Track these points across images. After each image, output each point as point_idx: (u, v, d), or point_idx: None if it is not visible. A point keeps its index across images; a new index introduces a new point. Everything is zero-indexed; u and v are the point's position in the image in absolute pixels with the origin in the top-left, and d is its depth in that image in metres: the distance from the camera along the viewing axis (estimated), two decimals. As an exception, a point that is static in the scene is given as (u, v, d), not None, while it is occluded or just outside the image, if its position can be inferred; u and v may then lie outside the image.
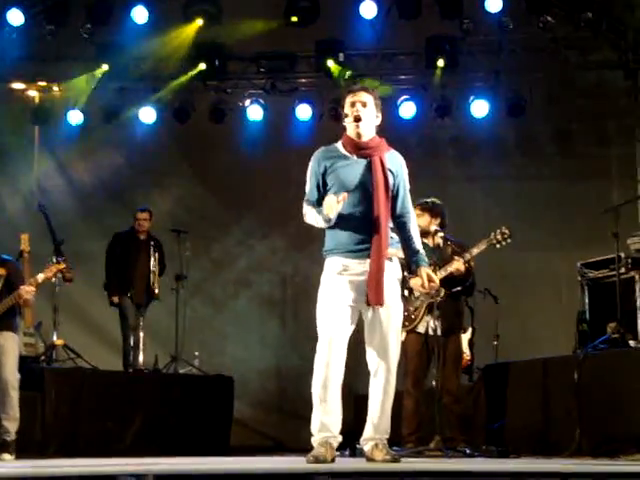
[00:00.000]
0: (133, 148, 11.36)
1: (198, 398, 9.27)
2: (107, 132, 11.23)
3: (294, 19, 10.02)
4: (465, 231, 8.66)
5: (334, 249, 5.22)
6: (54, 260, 7.33)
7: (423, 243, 7.15)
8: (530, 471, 3.67)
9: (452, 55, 10.22)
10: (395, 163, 5.32)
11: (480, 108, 10.61)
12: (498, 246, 7.02)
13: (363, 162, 5.22)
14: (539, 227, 10.43)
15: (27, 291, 7.14)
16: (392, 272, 5.22)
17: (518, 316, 10.18)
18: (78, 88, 10.83)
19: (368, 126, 5.26)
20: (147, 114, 10.95)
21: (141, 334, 9.58)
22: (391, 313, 5.19)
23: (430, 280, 5.28)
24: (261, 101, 10.94)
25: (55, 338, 9.11)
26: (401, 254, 5.32)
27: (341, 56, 10.44)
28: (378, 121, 5.33)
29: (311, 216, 5.26)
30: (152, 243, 9.84)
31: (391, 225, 5.28)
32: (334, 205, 5.05)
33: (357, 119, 5.23)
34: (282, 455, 7.75)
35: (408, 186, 5.38)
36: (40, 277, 7.26)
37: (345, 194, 5.07)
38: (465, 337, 8.79)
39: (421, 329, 7.11)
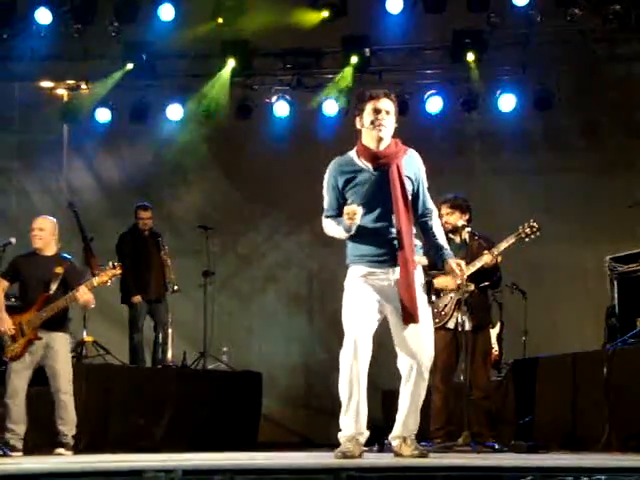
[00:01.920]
0: (160, 145, 11.42)
1: (226, 394, 9.32)
2: (135, 130, 11.30)
3: (324, 15, 9.99)
4: (492, 225, 8.63)
5: (356, 260, 5.20)
6: (110, 265, 7.27)
7: (450, 239, 7.20)
8: (559, 466, 3.65)
9: (479, 49, 10.17)
10: (412, 166, 5.24)
11: (507, 102, 10.57)
12: (527, 240, 6.99)
13: (380, 173, 5.15)
14: (567, 221, 10.37)
15: (83, 293, 7.11)
16: (417, 280, 5.19)
17: (547, 311, 10.13)
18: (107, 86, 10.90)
19: (389, 133, 5.19)
20: (174, 111, 11.00)
21: (170, 330, 9.62)
22: (422, 323, 5.15)
23: (460, 268, 5.24)
24: (287, 97, 10.95)
25: (85, 335, 9.18)
26: (424, 261, 5.30)
27: (367, 51, 10.42)
28: (394, 128, 5.26)
29: (332, 228, 5.23)
30: (158, 238, 9.86)
31: (413, 231, 5.24)
32: (354, 213, 5.02)
33: (379, 127, 5.14)
34: (310, 451, 7.75)
35: (426, 184, 5.31)
36: (95, 281, 7.22)
37: (362, 208, 5.04)
38: (494, 332, 8.77)
39: (450, 325, 7.10)
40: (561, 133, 10.97)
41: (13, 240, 7.32)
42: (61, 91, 11.30)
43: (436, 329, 7.08)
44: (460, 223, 7.11)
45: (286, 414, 10.97)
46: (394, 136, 5.25)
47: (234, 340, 10.80)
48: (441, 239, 5.32)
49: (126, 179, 11.57)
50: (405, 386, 5.24)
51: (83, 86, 11.21)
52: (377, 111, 5.15)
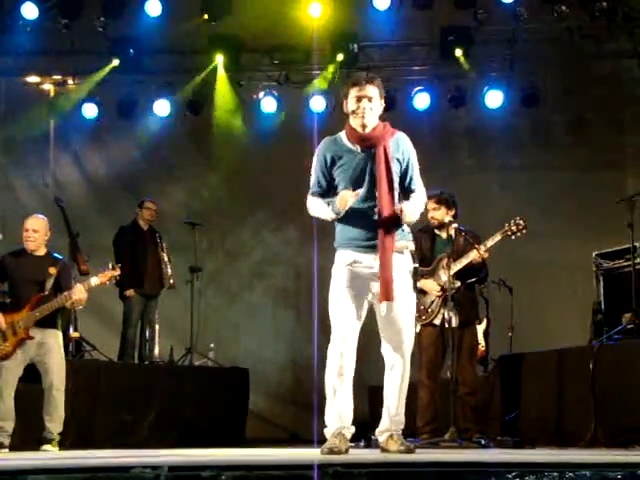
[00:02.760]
0: (147, 141, 11.40)
1: (213, 390, 9.31)
2: (122, 125, 11.28)
3: (311, 11, 9.98)
4: (479, 221, 8.66)
5: (344, 244, 5.21)
6: (110, 266, 7.24)
7: (436, 235, 7.22)
8: (545, 462, 3.67)
9: (466, 45, 10.18)
10: (401, 148, 5.23)
11: (494, 98, 10.59)
12: (513, 237, 7.01)
13: (367, 155, 5.16)
14: (554, 217, 10.40)
15: (79, 292, 7.06)
16: (403, 265, 5.18)
17: (533, 307, 10.16)
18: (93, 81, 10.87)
19: (373, 117, 5.19)
20: (161, 107, 10.98)
21: (156, 326, 9.60)
22: (404, 307, 5.16)
23: (402, 211, 5.08)
24: (275, 93, 10.94)
25: (71, 331, 9.15)
26: (412, 246, 5.28)
27: (355, 47, 10.42)
28: (381, 109, 5.24)
29: (317, 208, 5.25)
30: (157, 234, 9.86)
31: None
32: (349, 200, 5.04)
33: (361, 115, 5.15)
34: (297, 447, 7.76)
35: (417, 166, 5.31)
36: (93, 281, 7.19)
37: (359, 191, 5.06)
38: (480, 328, 8.80)
39: (437, 321, 7.12)
40: (548, 129, 11.01)
41: (0, 236, 7.29)
42: (48, 86, 11.27)
43: (423, 326, 7.15)
44: (447, 219, 7.13)
45: (273, 410, 10.97)
46: (383, 119, 5.25)
47: (221, 336, 10.80)
48: (414, 202, 5.24)
49: (113, 175, 11.54)
50: (389, 375, 5.25)
51: (70, 81, 11.19)
52: (359, 99, 5.16)
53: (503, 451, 6.33)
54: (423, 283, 7.07)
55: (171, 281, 9.77)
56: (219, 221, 11.40)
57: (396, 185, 5.16)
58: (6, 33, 10.65)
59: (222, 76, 10.88)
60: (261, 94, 10.96)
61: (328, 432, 5.15)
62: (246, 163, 11.20)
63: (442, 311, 7.05)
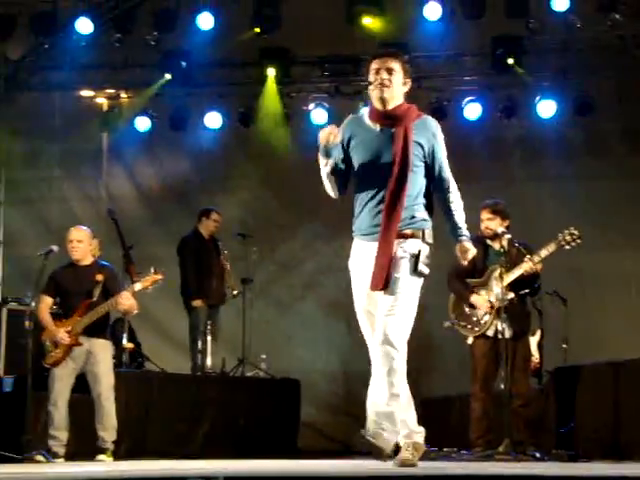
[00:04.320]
0: (199, 153, 11.48)
1: (265, 400, 9.33)
2: (174, 138, 11.37)
3: (363, 22, 9.97)
4: (532, 232, 8.56)
5: (356, 230, 4.98)
6: (152, 270, 7.32)
7: (488, 246, 7.16)
8: (602, 475, 3.61)
9: (518, 55, 10.11)
10: (426, 132, 4.86)
11: (547, 108, 10.49)
12: (567, 247, 6.92)
13: (386, 135, 4.84)
14: (608, 228, 10.26)
15: (125, 298, 7.15)
16: (405, 249, 4.80)
17: (588, 318, 10.02)
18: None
19: (394, 93, 4.84)
20: (213, 119, 11.06)
21: (209, 337, 9.65)
22: (398, 295, 4.75)
23: (464, 251, 4.93)
24: (325, 104, 10.96)
25: (125, 342, 9.22)
26: (428, 238, 4.89)
27: (405, 58, 10.38)
28: (406, 88, 4.91)
29: (322, 174, 5.03)
30: (218, 242, 9.94)
31: (422, 202, 4.89)
32: (328, 132, 4.82)
33: (380, 86, 4.82)
34: (350, 458, 7.74)
35: (444, 154, 4.94)
36: (137, 286, 7.27)
37: (337, 129, 4.83)
38: (534, 340, 8.70)
39: (490, 333, 7.05)
40: (602, 139, 10.86)
41: (55, 248, 7.38)
42: (101, 100, 11.42)
43: (475, 337, 7.10)
44: (500, 230, 7.07)
45: (325, 421, 10.95)
46: (410, 102, 4.96)
47: (273, 347, 10.80)
48: (459, 216, 4.99)
49: (165, 187, 11.64)
50: (374, 372, 4.81)
51: (123, 95, 11.32)
52: (377, 71, 4.87)
53: (558, 464, 6.25)
54: (474, 299, 7.03)
55: (234, 292, 9.83)
56: (270, 233, 11.42)
57: (416, 169, 4.81)
58: (61, 48, 10.84)
59: (273, 88, 10.93)
60: (311, 106, 10.98)
61: (422, 436, 4.85)
62: (296, 174, 11.22)
63: (495, 322, 6.99)
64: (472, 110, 10.68)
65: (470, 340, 7.16)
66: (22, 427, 6.96)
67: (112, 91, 11.30)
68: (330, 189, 5.04)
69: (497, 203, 7.15)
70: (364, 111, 5.01)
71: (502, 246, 7.08)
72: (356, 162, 4.91)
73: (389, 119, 4.84)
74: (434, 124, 4.93)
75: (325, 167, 4.98)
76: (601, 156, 10.82)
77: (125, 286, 7.69)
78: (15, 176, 11.62)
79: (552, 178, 10.98)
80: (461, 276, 7.22)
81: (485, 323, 7.06)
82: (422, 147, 4.83)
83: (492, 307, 6.94)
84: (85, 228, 7.56)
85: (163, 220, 11.36)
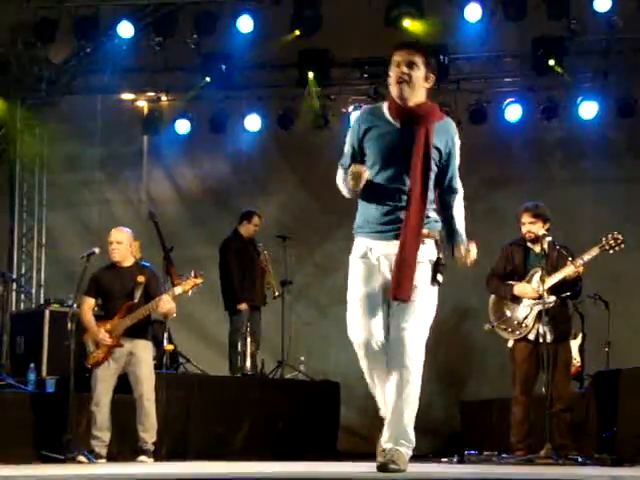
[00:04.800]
0: (238, 155, 11.53)
1: (304, 403, 9.33)
2: (213, 140, 11.43)
3: (403, 24, 9.94)
4: (573, 235, 8.51)
5: (362, 227, 4.66)
6: (192, 274, 7.35)
7: (529, 249, 7.10)
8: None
9: (559, 56, 10.04)
10: (445, 135, 4.61)
11: (588, 109, 10.40)
12: (611, 252, 6.85)
13: (407, 132, 4.54)
14: (650, 230, 10.15)
15: (166, 302, 7.21)
16: (423, 255, 4.53)
17: (630, 321, 9.92)
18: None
19: (415, 89, 4.54)
20: (252, 122, 11.10)
21: (248, 339, 9.68)
22: (417, 304, 4.50)
23: (468, 252, 4.63)
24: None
25: (165, 343, 9.28)
26: (438, 236, 4.65)
27: (445, 59, 10.36)
28: (429, 84, 4.61)
29: (341, 180, 4.75)
30: (259, 244, 9.97)
31: (433, 205, 4.64)
32: (362, 174, 4.49)
33: (400, 81, 4.52)
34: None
35: (458, 161, 4.68)
36: (177, 290, 7.32)
37: (368, 171, 4.51)
38: (575, 343, 8.63)
39: (531, 337, 7.00)
40: (644, 140, 10.75)
41: (97, 250, 7.44)
42: (141, 103, 11.51)
43: (517, 341, 7.06)
44: (541, 232, 7.02)
45: (364, 424, 10.91)
46: (431, 100, 4.71)
47: (312, 349, 10.80)
48: (459, 224, 4.70)
49: (205, 189, 11.70)
50: (389, 382, 4.57)
51: (163, 98, 11.40)
52: (398, 64, 4.55)
53: (601, 469, 6.18)
54: (518, 288, 6.96)
55: (276, 293, 9.87)
56: (309, 235, 11.43)
57: (431, 173, 4.55)
58: (102, 51, 10.95)
59: (312, 90, 10.94)
60: (350, 108, 10.97)
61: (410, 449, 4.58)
62: (335, 177, 11.19)
63: (536, 326, 6.93)
64: (513, 112, 10.62)
65: (511, 343, 7.12)
66: (64, 428, 7.03)
67: (153, 94, 11.39)
68: (343, 191, 4.83)
69: (538, 206, 7.10)
70: (383, 103, 4.68)
71: (543, 249, 7.02)
72: (371, 155, 4.59)
73: (410, 117, 4.56)
74: (454, 129, 4.69)
75: (346, 195, 4.79)
76: (643, 158, 10.71)
77: (165, 288, 7.75)
78: (57, 179, 11.75)
79: (593, 180, 10.88)
80: (500, 278, 7.18)
81: (526, 326, 7.01)
82: (439, 151, 4.60)
83: (540, 295, 6.83)
84: (126, 229, 7.61)
85: (203, 222, 11.41)
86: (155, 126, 11.38)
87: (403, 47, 4.59)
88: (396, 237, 4.51)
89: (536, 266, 7.06)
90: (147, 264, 7.64)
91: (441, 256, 4.59)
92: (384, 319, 4.57)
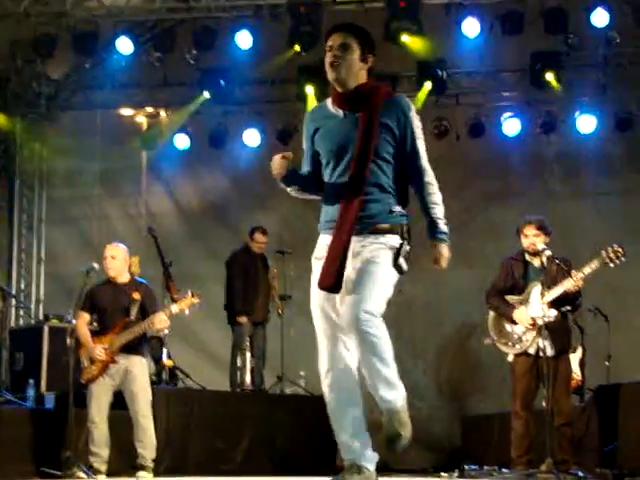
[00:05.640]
0: (238, 171, 11.54)
1: (304, 418, 9.29)
2: (212, 155, 11.45)
3: (401, 40, 9.95)
4: (572, 248, 8.51)
5: (321, 224, 4.42)
6: (189, 293, 7.34)
7: (528, 262, 7.09)
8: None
9: (557, 70, 10.07)
10: (395, 112, 4.26)
11: (587, 123, 10.44)
12: (612, 265, 6.83)
13: (352, 118, 4.26)
14: (650, 244, 10.15)
15: (161, 321, 7.19)
16: (380, 245, 4.21)
17: (630, 335, 9.91)
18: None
19: (351, 72, 4.26)
20: (251, 137, 11.11)
21: (248, 354, 9.66)
22: (369, 279, 4.15)
23: (440, 257, 4.28)
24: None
25: (164, 358, 9.26)
26: (407, 234, 4.27)
27: (443, 74, 10.40)
28: (368, 64, 4.34)
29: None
30: (267, 260, 9.98)
31: (396, 194, 4.28)
32: (277, 163, 4.32)
33: (331, 65, 4.26)
34: (388, 476, 7.70)
35: (420, 138, 4.30)
36: (174, 309, 7.29)
37: (290, 153, 4.30)
38: (575, 357, 8.62)
39: (531, 351, 6.98)
40: (643, 154, 10.78)
41: (96, 265, 7.42)
42: (141, 118, 11.54)
43: (517, 355, 7.04)
44: (540, 246, 7.00)
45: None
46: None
47: (312, 364, 10.72)
48: (436, 210, 4.31)
49: (204, 204, 11.71)
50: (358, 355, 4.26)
51: (162, 113, 11.43)
52: (329, 48, 4.29)
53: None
54: (517, 315, 6.97)
55: (280, 310, 9.86)
56: (308, 249, 11.35)
57: (387, 155, 4.24)
58: (102, 67, 10.99)
59: (311, 105, 10.96)
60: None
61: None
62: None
63: (536, 340, 6.92)
64: (511, 126, 10.66)
65: (511, 358, 7.11)
66: (64, 444, 7.01)
67: (152, 109, 11.42)
68: (290, 192, 4.54)
69: (541, 219, 7.10)
70: (327, 99, 4.42)
71: (542, 263, 7.01)
72: (323, 153, 4.34)
73: (352, 101, 4.28)
74: (405, 103, 4.30)
75: (292, 192, 4.54)
76: (642, 171, 10.73)
77: (165, 303, 7.73)
78: (56, 194, 11.78)
79: (592, 194, 10.91)
80: (500, 293, 7.17)
81: (526, 340, 6.99)
82: (390, 129, 4.24)
83: (534, 324, 6.87)
84: (120, 245, 7.58)
85: (202, 237, 11.41)
86: (154, 141, 11.41)
87: (334, 31, 4.32)
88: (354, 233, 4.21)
89: (536, 280, 7.04)
90: (143, 280, 7.62)
91: (405, 245, 4.21)
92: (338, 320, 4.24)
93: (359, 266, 4.19)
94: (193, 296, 7.29)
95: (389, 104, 4.27)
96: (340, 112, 4.31)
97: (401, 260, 4.20)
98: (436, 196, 4.32)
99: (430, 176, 4.32)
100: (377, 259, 4.18)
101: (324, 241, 4.35)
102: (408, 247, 4.23)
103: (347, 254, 4.19)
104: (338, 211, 4.24)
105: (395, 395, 4.24)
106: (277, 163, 4.31)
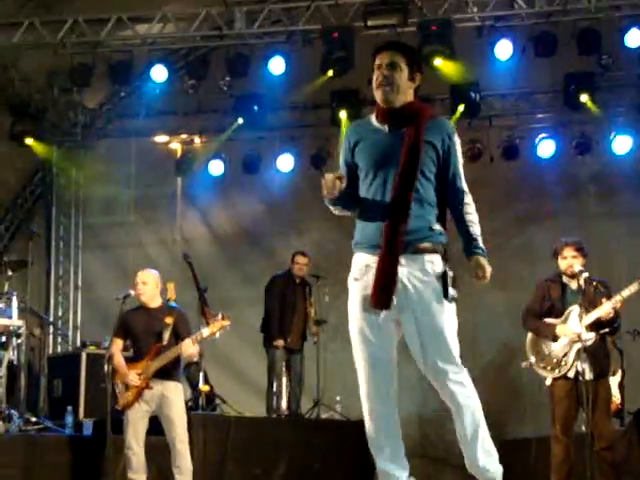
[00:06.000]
0: (272, 196, 11.59)
1: (341, 443, 9.26)
2: (246, 181, 11.51)
3: (434, 63, 9.94)
4: (609, 270, 8.44)
5: (359, 242, 4.34)
6: (220, 316, 7.35)
7: (565, 285, 7.01)
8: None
9: (591, 91, 10.03)
10: (440, 132, 4.29)
11: (622, 144, 10.40)
12: (652, 288, 6.75)
13: (395, 136, 4.26)
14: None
15: (188, 346, 7.17)
16: (427, 268, 4.20)
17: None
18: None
19: (399, 91, 4.27)
20: (285, 162, 11.16)
21: (283, 379, 9.65)
22: (434, 317, 4.20)
23: (480, 270, 4.27)
24: (396, 145, 10.96)
25: (201, 384, 9.27)
26: (442, 250, 4.29)
27: (477, 97, 10.39)
28: (416, 83, 4.35)
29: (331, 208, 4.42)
30: (307, 287, 9.98)
31: (436, 212, 4.30)
32: (331, 183, 4.21)
33: (382, 84, 4.28)
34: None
35: (460, 160, 4.36)
36: (205, 332, 7.29)
37: (343, 174, 4.24)
38: (615, 380, 8.51)
39: (571, 374, 6.90)
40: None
41: (132, 292, 7.45)
42: (175, 145, 11.63)
43: (556, 379, 6.95)
44: (577, 268, 6.93)
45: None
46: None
47: (348, 389, 10.71)
48: (473, 229, 4.33)
49: (239, 230, 11.76)
50: (453, 412, 4.29)
51: (197, 140, 11.52)
52: (378, 67, 4.31)
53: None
54: (559, 330, 6.88)
55: (315, 339, 9.85)
56: (342, 274, 11.34)
57: (430, 174, 4.25)
58: (136, 95, 11.11)
59: (344, 130, 11.00)
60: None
61: None
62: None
63: (575, 363, 6.84)
64: (546, 147, 10.63)
65: (549, 381, 7.02)
66: (101, 471, 7.03)
67: (186, 136, 11.52)
68: (333, 210, 4.47)
69: (579, 241, 7.03)
70: (371, 114, 4.43)
71: (579, 285, 6.94)
72: (363, 166, 4.32)
73: (398, 117, 4.29)
74: (450, 125, 4.41)
75: (335, 211, 4.46)
76: (678, 191, 10.64)
77: (199, 328, 7.74)
78: (93, 221, 11.89)
79: (628, 214, 10.83)
80: (538, 316, 7.10)
81: (565, 364, 6.91)
82: (435, 148, 4.26)
83: (580, 338, 6.73)
84: (152, 270, 7.60)
85: (237, 262, 11.46)
86: (189, 168, 11.49)
87: (383, 49, 4.34)
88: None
89: (574, 303, 6.97)
90: (175, 305, 7.64)
91: (448, 269, 4.23)
92: (389, 341, 4.32)
93: (420, 314, 4.21)
94: (223, 319, 7.29)
95: (434, 124, 4.31)
96: (385, 127, 4.32)
97: (451, 291, 4.22)
98: (474, 216, 4.35)
99: (469, 197, 4.36)
100: (435, 299, 4.20)
101: (362, 261, 4.32)
102: (451, 273, 4.23)
103: (397, 272, 4.18)
104: (379, 229, 4.21)
105: (496, 465, 4.29)
106: (330, 182, 4.22)
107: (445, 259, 4.26)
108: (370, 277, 4.24)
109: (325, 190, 4.23)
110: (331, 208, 4.41)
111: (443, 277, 4.20)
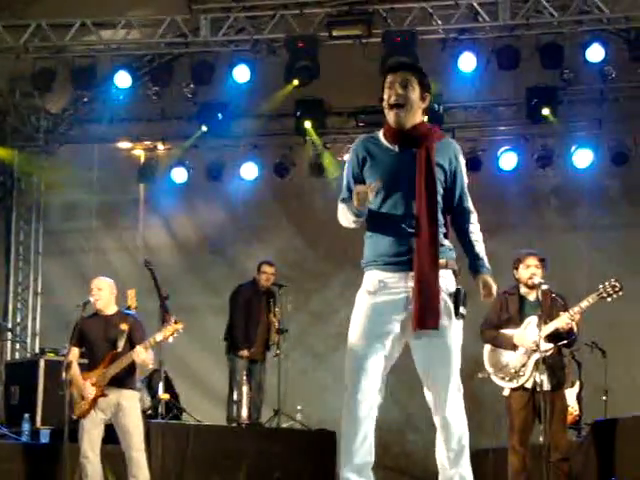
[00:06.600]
0: (235, 204, 11.57)
1: (301, 452, 9.25)
2: (210, 189, 11.48)
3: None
4: (569, 282, 8.50)
5: (372, 261, 4.36)
6: (172, 320, 7.32)
7: (522, 296, 7.06)
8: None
9: (553, 105, 10.14)
10: (447, 154, 4.38)
11: (583, 157, 10.50)
12: (609, 299, 6.82)
13: (407, 155, 4.33)
14: (647, 277, 10.16)
15: (139, 353, 7.11)
16: (442, 286, 4.30)
17: (628, 369, 9.90)
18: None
19: (411, 112, 4.32)
20: (249, 170, 11.16)
21: (244, 388, 9.62)
22: (447, 337, 4.29)
23: (487, 288, 4.41)
24: (360, 155, 11.00)
25: (160, 392, 9.22)
26: (454, 265, 4.41)
27: (440, 108, 10.45)
28: (425, 104, 4.39)
29: (343, 214, 4.41)
30: (272, 297, 9.96)
31: (444, 230, 4.40)
32: (364, 194, 4.21)
33: (395, 104, 4.31)
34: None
35: (466, 180, 4.48)
36: (157, 337, 7.24)
37: (379, 183, 4.25)
38: (573, 391, 8.59)
39: (528, 385, 6.95)
40: (638, 188, 10.81)
41: (92, 299, 7.41)
42: (138, 152, 11.58)
43: (513, 389, 7.00)
44: (537, 280, 6.99)
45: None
46: (432, 122, 4.67)
47: (308, 398, 10.74)
48: (479, 247, 4.45)
49: (201, 237, 11.74)
50: (440, 431, 4.39)
51: (160, 146, 11.48)
52: (390, 85, 4.34)
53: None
54: (517, 339, 6.92)
55: (277, 351, 9.83)
56: (304, 282, 11.43)
57: (439, 197, 4.35)
58: (100, 101, 11.05)
59: (308, 139, 11.03)
60: (346, 156, 11.00)
61: None
62: (331, 224, 11.21)
63: (533, 374, 6.89)
64: (507, 160, 10.71)
65: (507, 392, 7.07)
66: (58, 479, 6.95)
67: (149, 143, 11.47)
68: (347, 224, 4.46)
69: (537, 253, 7.10)
70: (379, 131, 4.46)
71: (538, 297, 6.99)
72: (372, 182, 4.32)
73: (409, 138, 4.35)
74: (457, 147, 4.47)
75: (351, 223, 4.42)
76: (638, 205, 10.76)
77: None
78: (54, 227, 11.80)
79: (589, 228, 10.94)
80: (495, 327, 7.14)
81: (523, 374, 6.96)
82: (444, 170, 4.37)
83: (537, 347, 6.77)
84: (107, 278, 7.52)
85: (199, 270, 11.42)
86: (151, 175, 11.43)
87: (396, 67, 4.41)
88: (410, 269, 4.26)
89: (531, 314, 7.02)
90: (130, 312, 7.58)
91: (460, 287, 4.34)
92: (386, 359, 4.41)
93: (434, 334, 4.27)
94: (176, 322, 7.26)
95: (442, 145, 4.40)
96: (395, 147, 4.38)
97: (462, 309, 4.31)
98: (480, 235, 4.49)
99: (475, 216, 4.51)
100: (447, 317, 4.28)
101: (375, 277, 4.35)
102: (464, 291, 4.33)
103: (440, 290, 4.27)
104: (393, 247, 4.29)
105: None
106: (365, 194, 4.22)
107: (456, 275, 4.37)
108: (389, 295, 4.30)
109: (356, 202, 4.24)
110: (352, 219, 4.37)
111: (456, 294, 4.31)
